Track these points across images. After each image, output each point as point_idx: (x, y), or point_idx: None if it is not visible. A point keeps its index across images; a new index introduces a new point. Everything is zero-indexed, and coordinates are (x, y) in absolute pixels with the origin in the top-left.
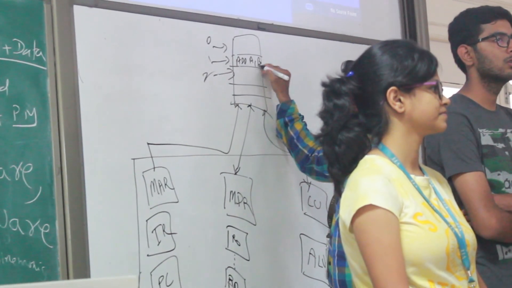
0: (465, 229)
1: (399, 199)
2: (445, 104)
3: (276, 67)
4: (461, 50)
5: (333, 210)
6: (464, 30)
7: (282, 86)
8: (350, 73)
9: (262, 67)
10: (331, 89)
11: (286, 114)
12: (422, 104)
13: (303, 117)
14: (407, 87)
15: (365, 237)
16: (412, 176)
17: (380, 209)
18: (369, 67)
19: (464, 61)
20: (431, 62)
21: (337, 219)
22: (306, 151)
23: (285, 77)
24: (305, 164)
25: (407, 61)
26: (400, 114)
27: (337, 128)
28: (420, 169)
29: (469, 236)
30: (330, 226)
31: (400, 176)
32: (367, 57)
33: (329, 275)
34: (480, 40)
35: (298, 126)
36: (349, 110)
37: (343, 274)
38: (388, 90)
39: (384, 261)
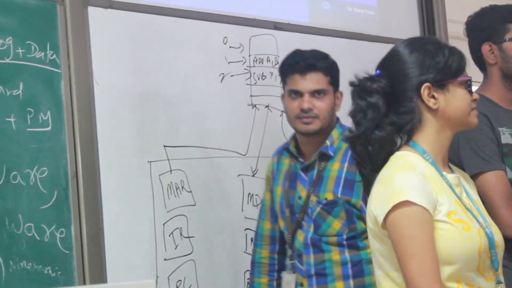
0: (494, 230)
1: (433, 196)
2: (475, 100)
3: None
4: (486, 47)
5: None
6: (489, 27)
7: None
8: (378, 72)
9: None
10: (362, 88)
11: None
12: (456, 99)
13: None
14: (440, 83)
15: (400, 233)
16: (444, 173)
17: (416, 205)
18: (399, 65)
19: (487, 59)
20: (461, 58)
21: (307, 235)
22: None
23: None
24: None
25: (438, 57)
26: (434, 111)
27: (371, 127)
28: (449, 167)
29: (498, 237)
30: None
31: (433, 173)
32: (394, 56)
33: None
34: (507, 39)
35: None
36: (383, 108)
37: None
38: (422, 87)
39: (419, 259)
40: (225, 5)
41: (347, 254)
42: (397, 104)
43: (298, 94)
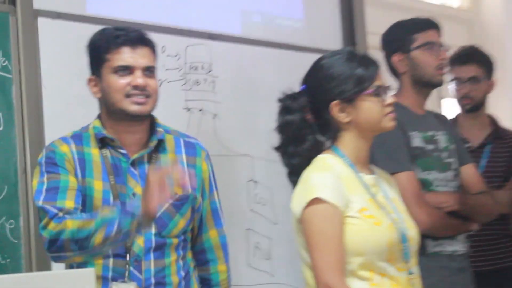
0: (408, 225)
1: (346, 194)
2: (389, 104)
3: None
4: (395, 58)
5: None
6: (397, 40)
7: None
8: (303, 86)
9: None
10: (283, 105)
11: None
12: (364, 112)
13: None
14: (347, 99)
15: (310, 228)
16: (361, 174)
17: (326, 202)
18: (316, 81)
19: (398, 69)
20: (368, 68)
21: (148, 237)
22: None
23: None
24: None
25: (345, 73)
26: (347, 123)
27: (289, 142)
28: (371, 169)
29: (412, 232)
30: None
31: (350, 174)
32: (314, 70)
33: None
34: (413, 49)
35: None
36: (300, 125)
37: None
38: (331, 104)
39: (325, 252)
40: (163, 17)
41: (181, 261)
42: (318, 116)
43: (127, 70)
